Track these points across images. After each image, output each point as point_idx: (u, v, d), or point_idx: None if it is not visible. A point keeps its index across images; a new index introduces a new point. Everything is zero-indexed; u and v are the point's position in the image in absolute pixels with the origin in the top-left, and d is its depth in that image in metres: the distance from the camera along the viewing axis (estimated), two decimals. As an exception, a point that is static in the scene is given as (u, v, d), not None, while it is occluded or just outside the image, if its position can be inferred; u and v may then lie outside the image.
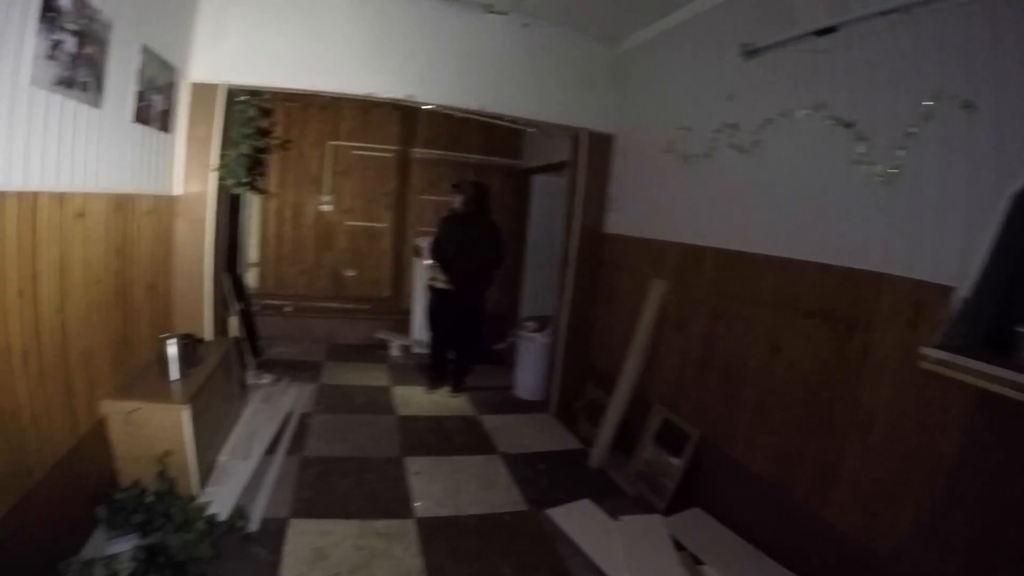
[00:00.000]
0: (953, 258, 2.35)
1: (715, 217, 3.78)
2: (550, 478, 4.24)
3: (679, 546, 3.32)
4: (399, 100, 4.62)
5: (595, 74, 5.08)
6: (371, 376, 6.22)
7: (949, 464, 2.34)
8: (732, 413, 3.51)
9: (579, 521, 3.62)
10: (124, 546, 2.74)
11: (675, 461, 3.85)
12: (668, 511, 3.71)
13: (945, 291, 2.34)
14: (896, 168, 2.58)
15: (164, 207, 3.85)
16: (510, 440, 4.86)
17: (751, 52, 3.44)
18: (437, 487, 3.97)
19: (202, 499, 3.20)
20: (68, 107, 2.52)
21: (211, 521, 3.02)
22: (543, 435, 5.05)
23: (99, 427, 2.99)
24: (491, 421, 5.24)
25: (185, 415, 3.13)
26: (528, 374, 5.84)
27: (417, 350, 7.01)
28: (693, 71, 4.12)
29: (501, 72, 4.77)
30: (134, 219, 3.38)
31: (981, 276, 2.28)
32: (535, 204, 7.39)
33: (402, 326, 7.40)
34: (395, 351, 7.04)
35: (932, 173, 2.46)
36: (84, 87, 2.62)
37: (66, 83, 2.46)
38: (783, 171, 3.23)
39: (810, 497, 2.95)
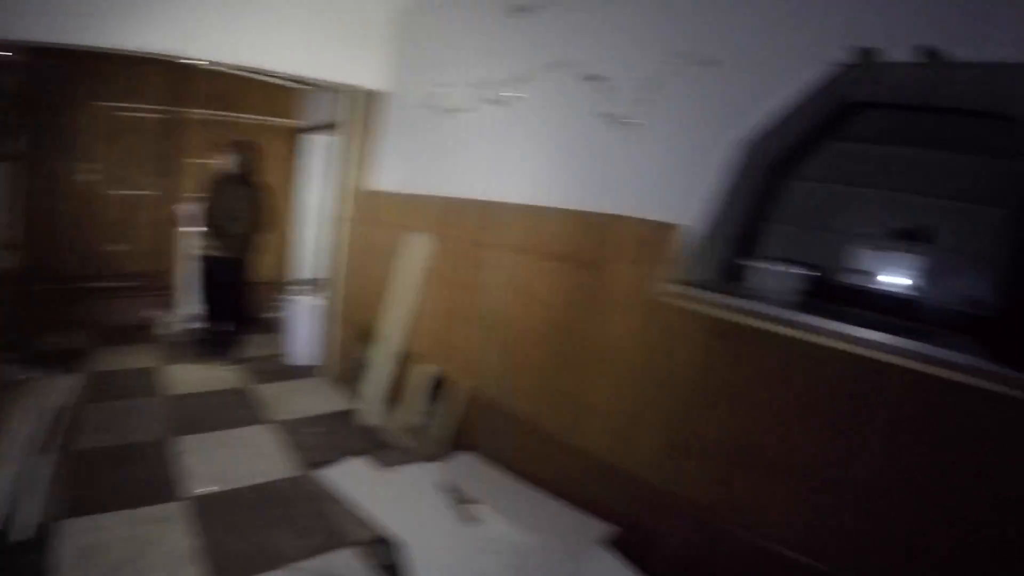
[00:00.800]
0: (685, 200, 2.67)
1: (474, 170, 3.94)
2: (323, 440, 4.25)
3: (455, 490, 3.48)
4: (167, 56, 4.25)
5: (372, 32, 4.96)
6: (142, 358, 5.73)
7: (692, 388, 2.67)
8: (495, 359, 3.73)
9: (353, 478, 3.66)
10: None
11: (447, 411, 4.03)
12: (438, 458, 3.87)
13: (676, 231, 2.66)
14: (636, 119, 2.87)
15: None
16: (283, 407, 4.78)
17: (516, 9, 3.60)
18: (211, 464, 3.81)
19: None
20: None
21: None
22: (320, 399, 5.02)
23: None
24: (266, 390, 5.10)
25: None
26: (302, 339, 5.73)
27: (188, 325, 6.64)
28: (460, 28, 4.22)
29: (275, 28, 4.49)
30: None
31: (717, 217, 2.64)
32: (313, 164, 7.15)
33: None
34: (165, 328, 6.62)
35: (669, 123, 2.77)
36: None
37: None
38: (534, 123, 3.45)
39: (567, 430, 3.25)
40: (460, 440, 3.95)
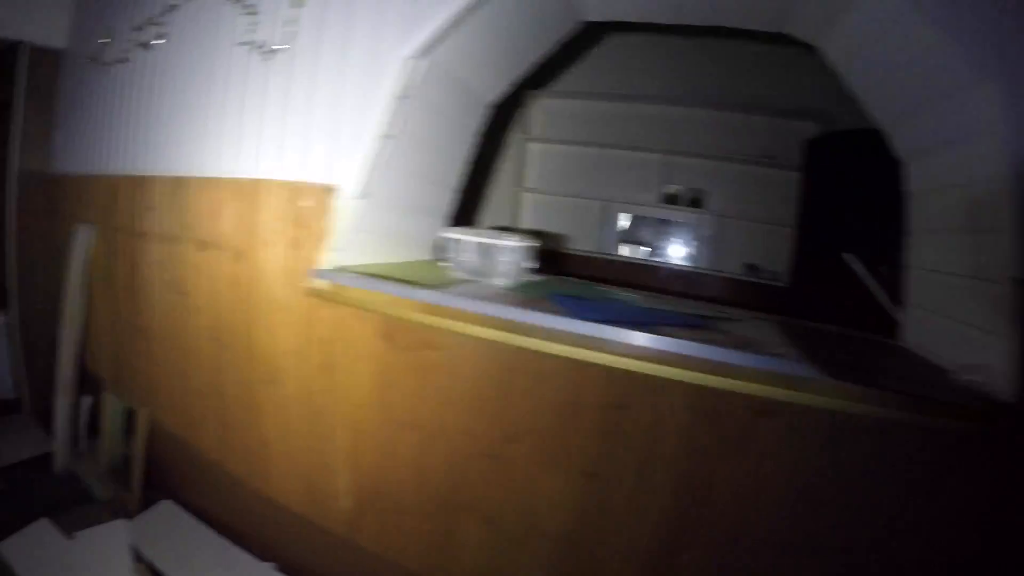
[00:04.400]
0: (340, 149, 1.94)
1: (128, 136, 3.05)
2: (9, 500, 3.27)
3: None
4: None
5: None
6: None
7: (371, 413, 1.98)
8: (163, 379, 2.89)
9: (33, 552, 2.78)
10: None
11: (133, 449, 3.14)
12: (140, 510, 3.03)
13: (334, 195, 1.93)
14: (282, 44, 2.08)
15: None
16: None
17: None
18: None
19: None
20: None
21: None
22: (11, 442, 3.92)
23: None
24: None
25: None
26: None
27: None
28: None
29: None
30: None
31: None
32: None
33: None
34: None
35: (323, 44, 2.03)
36: None
37: None
38: (176, 67, 2.63)
39: (248, 473, 2.49)
40: (158, 483, 3.10)
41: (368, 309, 1.83)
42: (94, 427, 3.62)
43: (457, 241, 2.07)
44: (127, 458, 3.26)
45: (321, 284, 1.95)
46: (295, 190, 2.07)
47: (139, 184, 2.91)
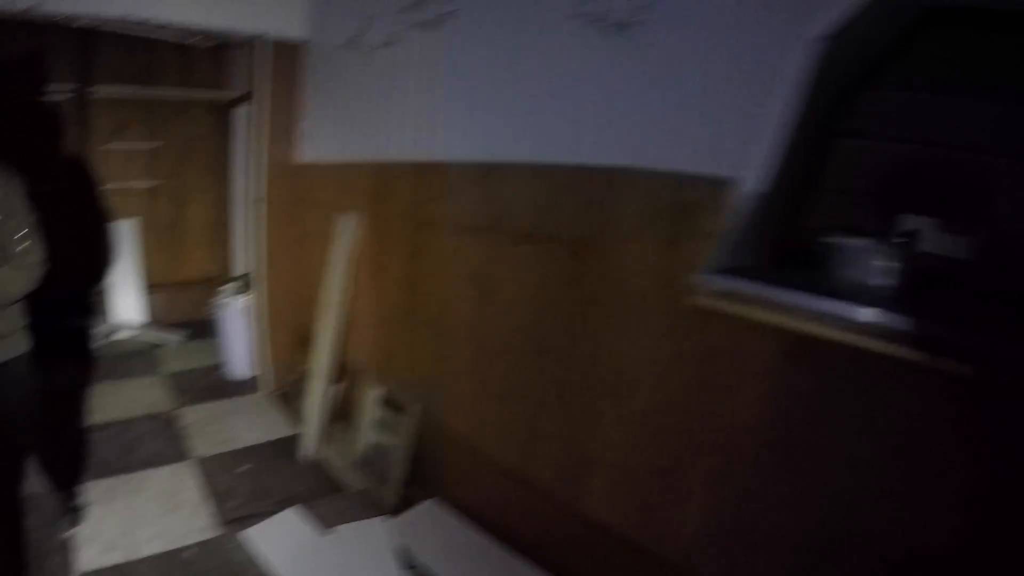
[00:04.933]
0: (730, 137, 1.69)
1: (404, 122, 2.97)
2: (254, 482, 3.35)
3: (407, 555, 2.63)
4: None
5: None
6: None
7: (749, 439, 1.72)
8: (449, 377, 2.79)
9: (282, 542, 2.80)
10: None
11: (398, 445, 3.09)
12: (399, 507, 2.98)
13: (721, 186, 1.69)
14: (642, 19, 1.88)
15: None
16: (211, 437, 3.85)
17: None
18: (111, 521, 2.96)
19: None
20: None
21: None
22: (252, 423, 4.09)
23: None
24: (192, 414, 4.16)
25: None
26: (237, 347, 4.74)
27: (119, 335, 5.69)
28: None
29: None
30: None
31: (781, 161, 1.67)
32: (237, 144, 6.10)
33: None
34: (95, 340, 5.64)
35: (694, 21, 1.78)
36: None
37: None
38: (480, 45, 2.46)
39: (558, 485, 2.31)
40: (421, 481, 3.04)
41: (774, 322, 1.56)
42: (338, 415, 3.62)
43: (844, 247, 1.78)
44: (380, 450, 3.22)
45: (710, 289, 1.71)
46: (670, 182, 1.84)
47: (422, 171, 2.83)
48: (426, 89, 2.80)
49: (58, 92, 5.61)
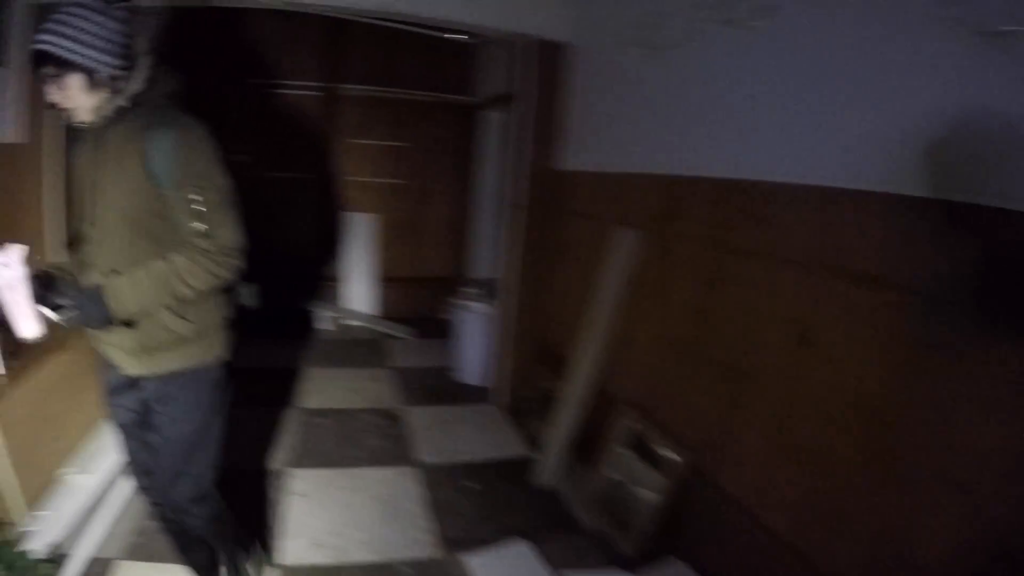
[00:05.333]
0: None
1: (704, 132, 2.57)
2: (480, 502, 3.12)
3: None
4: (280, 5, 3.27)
5: None
6: (290, 354, 5.02)
7: None
8: (735, 430, 2.32)
9: None
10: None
11: (649, 492, 2.68)
12: (637, 561, 2.59)
13: None
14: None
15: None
16: (437, 443, 3.69)
17: None
18: (322, 516, 2.88)
19: (24, 526, 2.37)
20: None
21: (16, 563, 2.18)
22: (482, 436, 3.87)
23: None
24: (418, 416, 4.05)
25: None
26: (471, 353, 4.59)
27: (352, 322, 5.86)
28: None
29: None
30: None
31: None
32: (488, 146, 6.08)
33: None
34: (326, 323, 5.84)
35: None
36: None
37: None
38: (814, 44, 2.02)
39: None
40: (670, 535, 2.60)
41: None
42: (581, 445, 3.28)
43: None
44: (625, 492, 2.83)
45: None
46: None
47: (728, 190, 2.41)
48: (733, 95, 2.39)
49: (306, 87, 5.87)
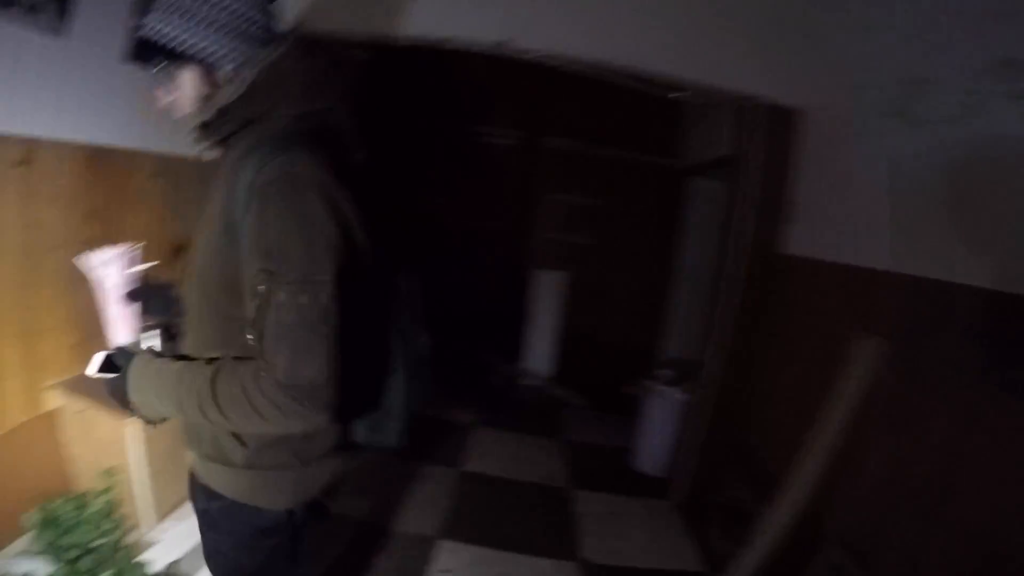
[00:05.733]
0: None
1: (979, 229, 2.09)
2: None
3: None
4: (484, 48, 3.18)
5: (777, 15, 3.13)
6: (462, 412, 4.83)
7: None
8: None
9: None
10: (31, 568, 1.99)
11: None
12: None
13: None
14: None
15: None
16: (603, 538, 3.30)
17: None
18: None
19: (148, 538, 2.35)
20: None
21: (125, 572, 2.13)
22: (653, 539, 3.40)
23: (46, 420, 2.28)
24: (587, 502, 3.68)
25: (132, 431, 2.21)
26: (653, 439, 4.14)
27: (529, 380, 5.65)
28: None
29: (634, 7, 3.15)
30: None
31: None
32: (695, 214, 5.56)
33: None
34: (501, 379, 5.66)
35: None
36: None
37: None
38: None
39: None
40: None
41: None
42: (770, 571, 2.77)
43: None
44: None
45: None
46: None
47: (1010, 303, 1.88)
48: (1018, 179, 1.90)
49: (505, 136, 5.77)
